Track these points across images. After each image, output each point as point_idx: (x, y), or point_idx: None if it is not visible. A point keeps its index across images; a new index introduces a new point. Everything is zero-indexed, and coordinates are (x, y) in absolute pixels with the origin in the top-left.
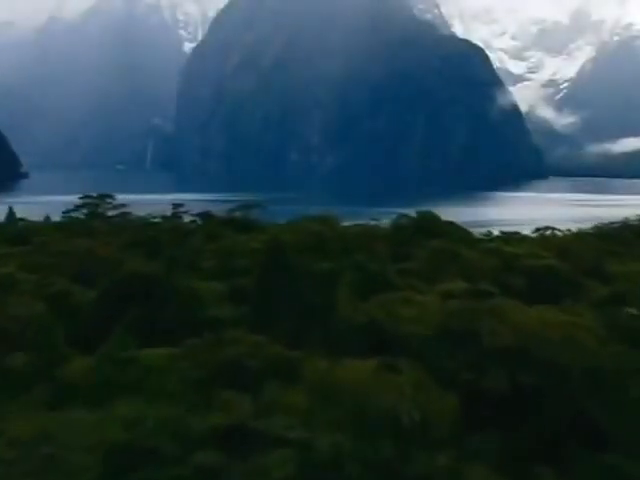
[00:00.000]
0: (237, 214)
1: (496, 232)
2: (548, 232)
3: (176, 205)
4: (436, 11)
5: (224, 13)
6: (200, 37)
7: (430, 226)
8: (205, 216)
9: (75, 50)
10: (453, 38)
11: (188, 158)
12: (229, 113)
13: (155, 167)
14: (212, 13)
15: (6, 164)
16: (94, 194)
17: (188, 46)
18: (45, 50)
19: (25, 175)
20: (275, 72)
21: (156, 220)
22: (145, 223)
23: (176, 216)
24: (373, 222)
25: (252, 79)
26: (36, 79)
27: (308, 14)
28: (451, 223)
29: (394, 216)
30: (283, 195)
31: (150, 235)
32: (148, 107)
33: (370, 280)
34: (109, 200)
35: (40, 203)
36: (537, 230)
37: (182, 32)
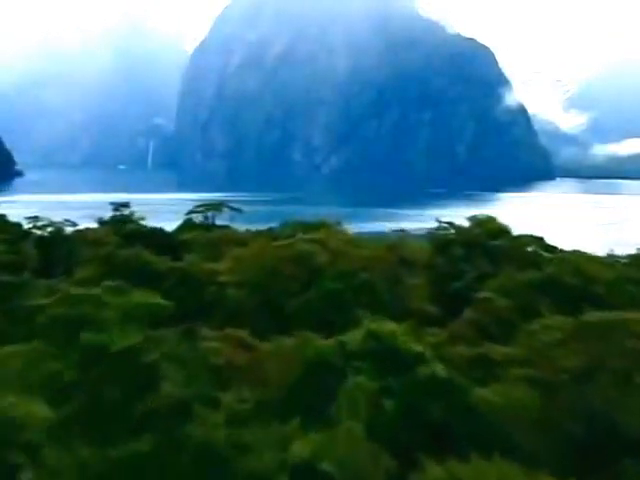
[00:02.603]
0: (196, 218)
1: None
2: None
3: (119, 205)
4: (441, 9)
5: (227, 11)
6: (202, 35)
7: (499, 245)
8: (119, 223)
9: (76, 49)
10: (459, 37)
11: (190, 158)
12: (231, 112)
13: (156, 167)
14: (214, 11)
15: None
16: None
17: (190, 45)
18: (46, 50)
19: (20, 173)
20: (278, 71)
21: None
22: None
23: (120, 221)
24: (395, 232)
25: (254, 78)
26: (38, 79)
27: (311, 12)
28: (538, 240)
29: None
30: (284, 195)
31: None
32: (149, 106)
33: (426, 402)
34: None
35: (27, 202)
36: None
37: (184, 30)
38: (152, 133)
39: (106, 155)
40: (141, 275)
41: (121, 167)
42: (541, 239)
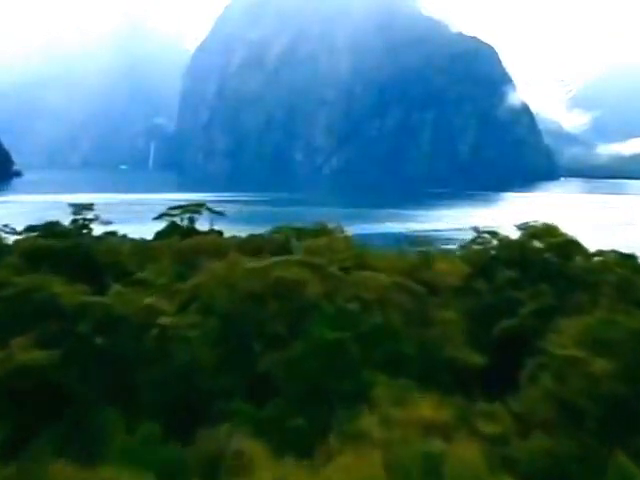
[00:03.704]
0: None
1: None
2: None
3: (81, 208)
4: (444, 8)
5: (227, 10)
6: (203, 35)
7: (568, 266)
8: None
9: (76, 49)
10: (462, 36)
11: (191, 158)
12: (232, 112)
13: (158, 167)
14: (215, 10)
15: None
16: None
17: (191, 44)
18: (47, 50)
19: (18, 174)
20: (280, 71)
21: None
22: None
23: (48, 229)
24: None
25: (256, 78)
26: (38, 79)
27: (313, 11)
28: (628, 258)
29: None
30: (286, 195)
31: None
32: (150, 106)
33: None
34: None
35: (21, 202)
36: None
37: (184, 30)
38: (153, 133)
39: (107, 155)
40: (41, 315)
41: (123, 167)
42: (633, 258)
